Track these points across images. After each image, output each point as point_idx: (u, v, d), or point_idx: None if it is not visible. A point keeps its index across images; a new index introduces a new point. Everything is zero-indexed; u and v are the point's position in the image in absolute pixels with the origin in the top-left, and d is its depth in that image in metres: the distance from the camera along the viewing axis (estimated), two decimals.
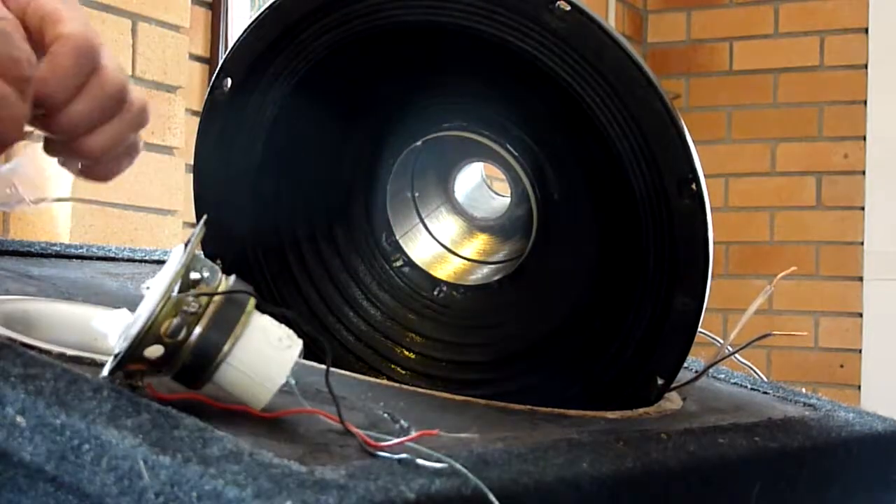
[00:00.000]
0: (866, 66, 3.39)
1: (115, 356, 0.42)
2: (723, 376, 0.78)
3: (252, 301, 0.44)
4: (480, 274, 0.71)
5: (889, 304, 3.33)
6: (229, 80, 0.67)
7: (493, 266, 0.71)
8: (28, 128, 0.52)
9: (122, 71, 0.55)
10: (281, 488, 0.35)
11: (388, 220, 0.72)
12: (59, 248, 0.76)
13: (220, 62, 0.67)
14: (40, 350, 0.45)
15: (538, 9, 0.59)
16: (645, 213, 0.60)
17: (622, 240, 0.62)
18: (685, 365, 0.63)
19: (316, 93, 0.67)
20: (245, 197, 0.68)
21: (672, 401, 0.65)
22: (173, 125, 1.53)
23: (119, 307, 0.45)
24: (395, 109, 0.69)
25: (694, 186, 0.59)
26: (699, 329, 0.61)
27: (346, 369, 0.67)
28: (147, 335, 0.42)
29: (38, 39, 0.55)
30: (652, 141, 0.59)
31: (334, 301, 0.71)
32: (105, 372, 0.43)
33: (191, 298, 0.43)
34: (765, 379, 0.78)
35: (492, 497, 0.38)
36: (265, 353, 0.44)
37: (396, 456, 0.40)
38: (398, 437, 0.43)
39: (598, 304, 0.65)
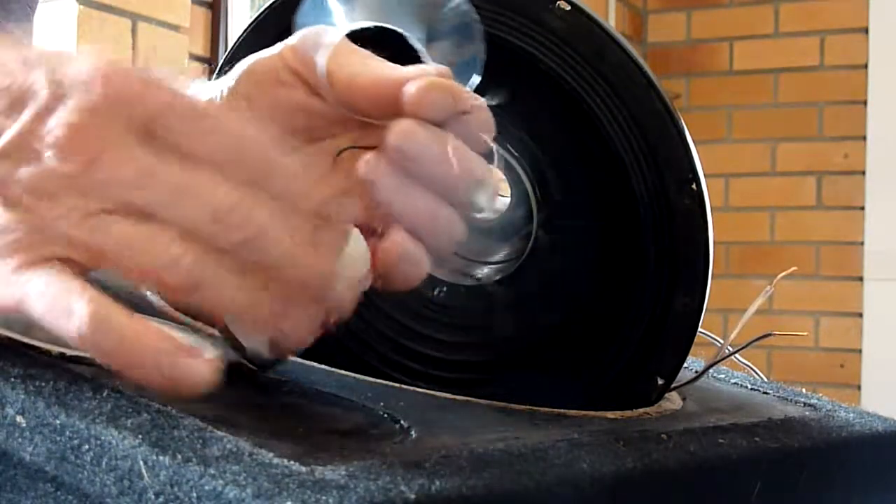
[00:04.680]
0: (866, 66, 3.40)
1: None
2: (723, 376, 0.78)
3: None
4: (480, 274, 0.71)
5: (889, 304, 3.34)
6: None
7: (493, 266, 0.71)
8: None
9: None
10: (281, 488, 0.35)
11: None
12: None
13: (220, 62, 0.67)
14: (40, 350, 0.45)
15: (538, 8, 0.59)
16: (645, 213, 0.60)
17: (622, 240, 0.62)
18: (685, 365, 0.63)
19: None
20: None
21: (672, 401, 0.65)
22: None
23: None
24: None
25: (694, 186, 0.59)
26: (699, 329, 0.61)
27: (345, 369, 0.67)
28: None
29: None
30: (652, 141, 0.59)
31: None
32: None
33: None
34: (765, 379, 0.78)
35: None
36: None
37: None
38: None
39: (598, 305, 0.65)
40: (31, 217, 0.39)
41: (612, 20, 3.42)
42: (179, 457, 0.36)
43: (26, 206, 0.39)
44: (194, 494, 0.35)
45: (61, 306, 0.39)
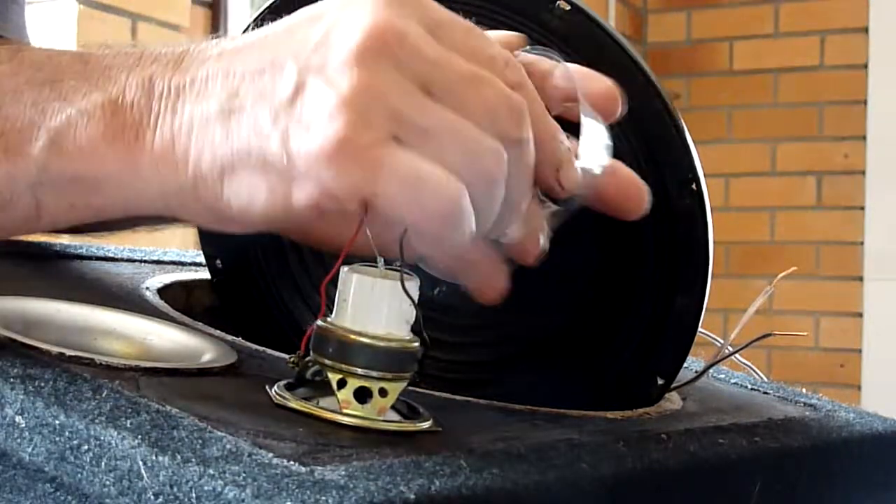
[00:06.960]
0: (866, 66, 3.40)
1: None
2: (723, 376, 0.78)
3: None
4: None
5: (889, 304, 3.34)
6: None
7: None
8: None
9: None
10: (281, 488, 0.35)
11: None
12: (59, 248, 0.76)
13: None
14: (40, 350, 0.45)
15: (538, 8, 0.59)
16: (645, 213, 0.60)
17: (622, 240, 0.62)
18: (685, 365, 0.63)
19: None
20: None
21: (672, 401, 0.65)
22: None
23: (118, 307, 0.45)
24: None
25: (694, 187, 0.59)
26: (699, 329, 0.61)
27: None
28: None
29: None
30: (652, 141, 0.59)
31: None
32: None
33: None
34: (765, 379, 0.78)
35: None
36: None
37: None
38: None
39: (597, 305, 0.65)
40: (361, 97, 0.40)
41: (612, 20, 3.42)
42: (179, 457, 0.36)
43: (354, 88, 0.40)
44: (194, 495, 0.35)
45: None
